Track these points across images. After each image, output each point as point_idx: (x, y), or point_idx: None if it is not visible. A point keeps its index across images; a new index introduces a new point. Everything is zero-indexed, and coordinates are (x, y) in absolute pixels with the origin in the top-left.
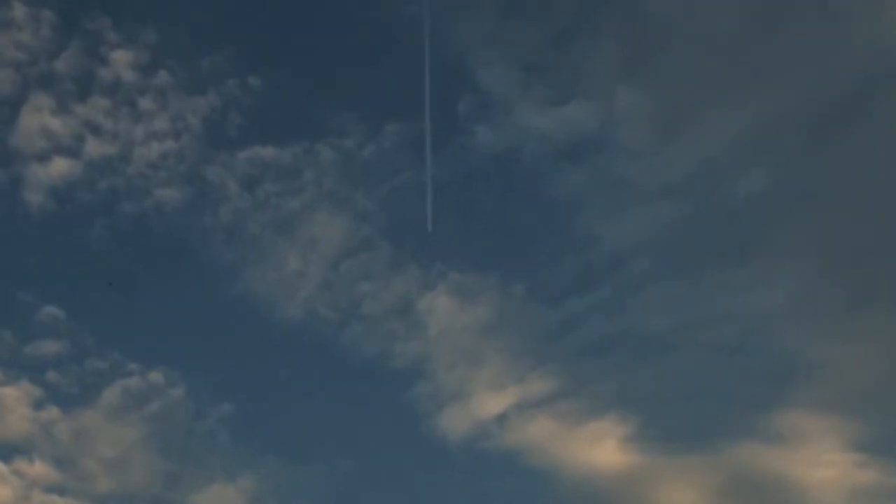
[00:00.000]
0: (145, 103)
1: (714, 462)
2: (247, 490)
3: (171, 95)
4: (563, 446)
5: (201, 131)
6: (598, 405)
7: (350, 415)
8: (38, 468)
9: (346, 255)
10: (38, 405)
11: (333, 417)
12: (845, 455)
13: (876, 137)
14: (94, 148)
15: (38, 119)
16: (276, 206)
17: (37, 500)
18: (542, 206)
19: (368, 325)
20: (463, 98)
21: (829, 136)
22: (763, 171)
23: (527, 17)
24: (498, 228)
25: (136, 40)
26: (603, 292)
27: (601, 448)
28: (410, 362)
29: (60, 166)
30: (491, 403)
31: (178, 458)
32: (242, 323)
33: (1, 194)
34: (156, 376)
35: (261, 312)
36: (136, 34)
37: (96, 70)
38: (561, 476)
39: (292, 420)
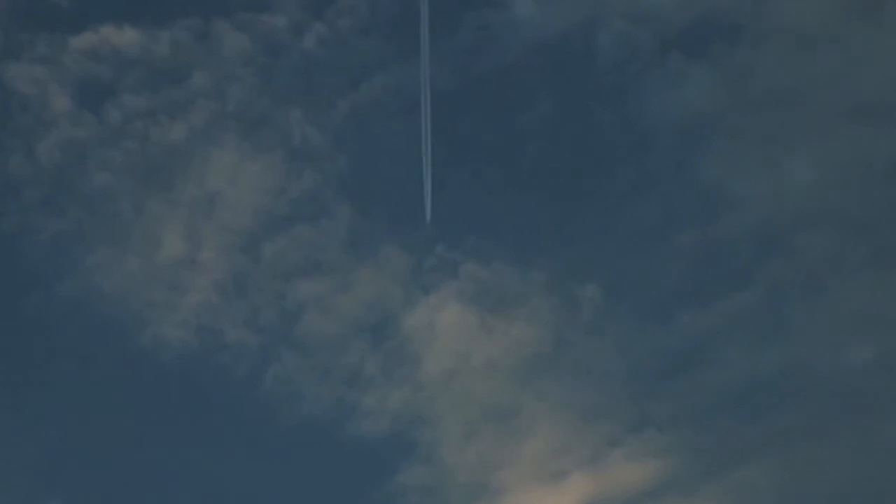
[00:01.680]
0: None
1: None
2: None
3: None
4: None
5: None
6: None
7: None
8: None
9: (272, 228)
10: None
11: None
12: None
13: None
14: None
15: None
16: (140, 137)
17: None
18: (632, 137)
19: (314, 358)
20: None
21: None
22: None
23: None
24: (550, 181)
25: None
26: (751, 295)
27: None
28: (391, 426)
29: None
30: None
31: None
32: (76, 353)
33: None
34: None
35: (110, 334)
36: None
37: None
38: None
39: None
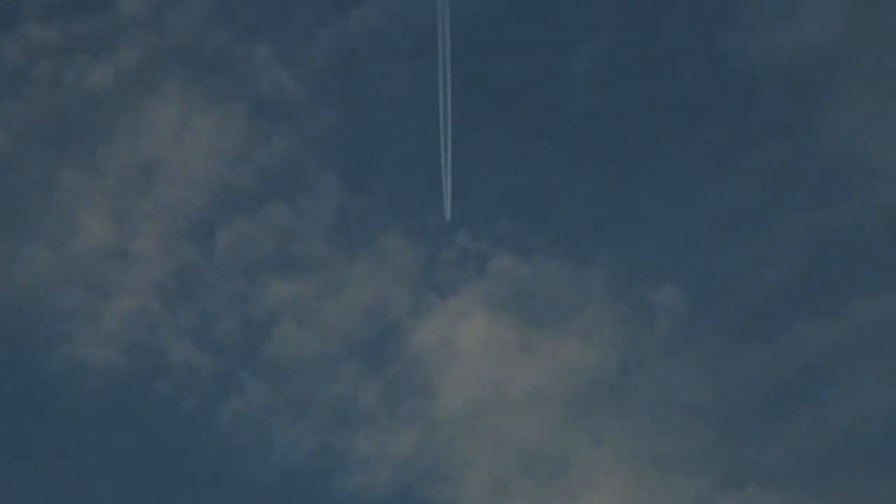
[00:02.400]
0: None
1: None
2: None
3: None
4: None
5: None
6: None
7: None
8: None
9: (231, 209)
10: None
11: None
12: None
13: None
14: None
15: None
16: (49, 82)
17: None
18: (725, 86)
19: (289, 386)
20: None
21: None
22: None
23: None
24: (611, 145)
25: None
26: (891, 300)
27: None
28: (394, 479)
29: None
30: None
31: None
32: None
33: None
34: None
35: (6, 354)
36: None
37: None
38: None
39: None
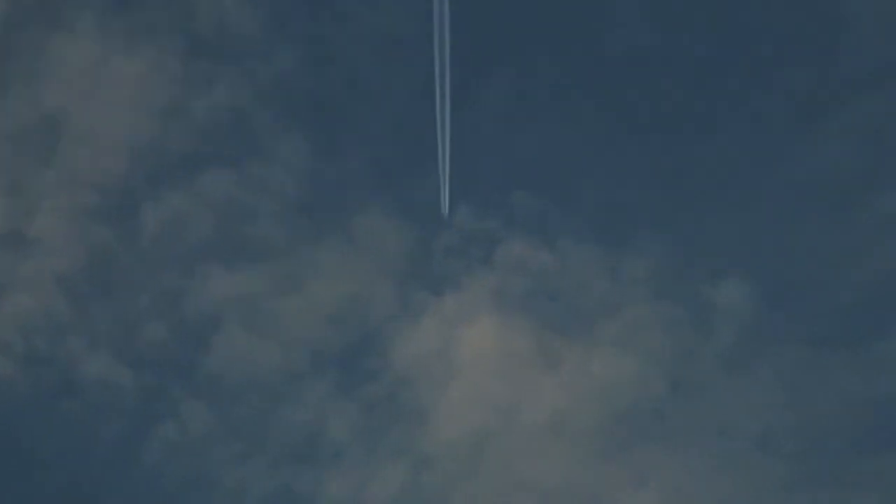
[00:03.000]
0: None
1: None
2: None
3: None
4: None
5: None
6: None
7: None
8: None
9: (160, 178)
10: None
11: None
12: None
13: None
14: None
15: None
16: None
17: None
18: (806, 23)
19: (237, 409)
20: None
21: None
22: None
23: None
24: (654, 101)
25: None
26: None
27: None
28: None
29: None
30: None
31: None
32: None
33: None
34: None
35: None
36: None
37: None
38: None
39: None
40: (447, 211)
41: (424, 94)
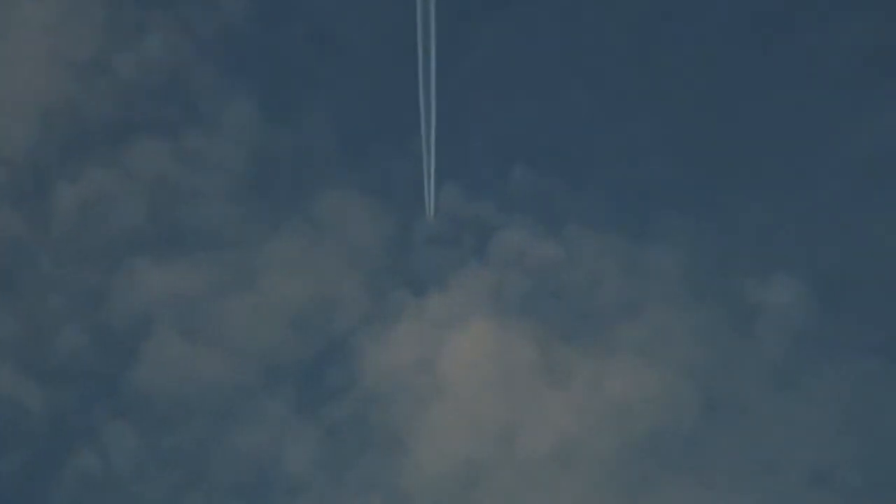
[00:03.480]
0: None
1: None
2: None
3: None
4: None
5: None
6: None
7: None
8: None
9: (75, 146)
10: None
11: None
12: None
13: None
14: None
15: None
16: None
17: None
18: None
19: (171, 436)
20: None
21: None
22: None
23: None
24: (690, 53)
25: None
26: None
27: None
28: None
29: None
30: None
31: None
32: None
33: None
34: None
35: None
36: None
37: None
38: None
39: None
40: (432, 194)
41: (403, 49)
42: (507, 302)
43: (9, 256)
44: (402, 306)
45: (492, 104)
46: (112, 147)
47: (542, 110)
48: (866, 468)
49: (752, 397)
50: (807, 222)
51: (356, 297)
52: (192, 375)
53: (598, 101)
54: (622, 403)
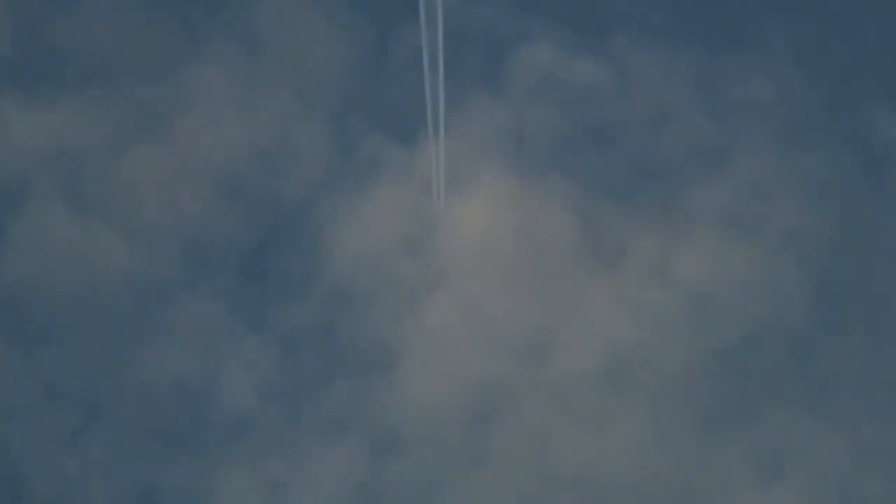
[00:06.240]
0: None
1: None
2: None
3: None
4: None
5: None
6: None
7: None
8: None
9: None
10: None
11: None
12: None
13: None
14: None
15: None
16: None
17: None
18: None
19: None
20: None
21: None
22: None
23: None
24: None
25: None
26: None
27: None
28: None
29: None
30: None
31: None
32: None
33: None
34: None
35: None
36: None
37: None
38: None
39: None
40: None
41: None
42: (530, 151)
43: None
44: (381, 160)
45: None
46: None
47: None
48: None
49: (884, 281)
50: None
51: (314, 149)
52: (83, 264)
53: None
54: (699, 296)
